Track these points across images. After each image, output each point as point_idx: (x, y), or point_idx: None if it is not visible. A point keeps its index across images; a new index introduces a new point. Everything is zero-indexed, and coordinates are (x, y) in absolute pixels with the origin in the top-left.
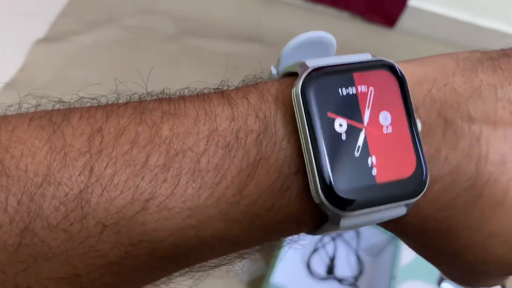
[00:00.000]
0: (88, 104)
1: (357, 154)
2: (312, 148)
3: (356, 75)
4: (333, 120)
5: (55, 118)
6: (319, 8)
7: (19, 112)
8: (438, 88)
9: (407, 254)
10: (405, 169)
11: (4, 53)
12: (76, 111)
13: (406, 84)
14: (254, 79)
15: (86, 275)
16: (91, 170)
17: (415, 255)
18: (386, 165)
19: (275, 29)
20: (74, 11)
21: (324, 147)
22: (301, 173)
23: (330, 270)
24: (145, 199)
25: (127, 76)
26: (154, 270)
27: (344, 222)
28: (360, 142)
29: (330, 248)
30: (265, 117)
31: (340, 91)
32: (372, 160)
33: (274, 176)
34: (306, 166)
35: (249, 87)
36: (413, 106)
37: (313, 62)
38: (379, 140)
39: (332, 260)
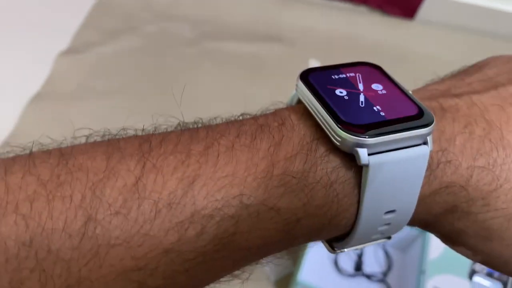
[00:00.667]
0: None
1: (362, 105)
2: (322, 105)
3: (342, 69)
4: (333, 90)
5: (109, 139)
6: (336, 3)
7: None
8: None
9: (435, 248)
10: (409, 111)
11: (29, 66)
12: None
13: (387, 72)
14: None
15: (145, 266)
16: (144, 165)
17: (444, 248)
18: (391, 109)
19: (293, 26)
20: (94, 21)
21: (332, 103)
22: (321, 142)
23: (358, 266)
24: (192, 179)
25: (148, 84)
26: (206, 258)
27: (373, 159)
28: (361, 99)
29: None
30: (281, 117)
31: (332, 76)
32: (377, 107)
33: (297, 147)
34: (322, 125)
35: (266, 112)
36: (397, 81)
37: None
38: (377, 97)
39: (359, 256)
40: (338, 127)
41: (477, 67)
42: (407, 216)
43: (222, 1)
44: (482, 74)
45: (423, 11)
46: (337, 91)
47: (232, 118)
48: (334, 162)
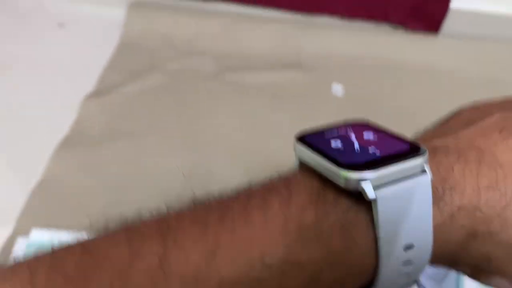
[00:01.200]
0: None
1: (357, 151)
2: (321, 156)
3: (334, 127)
4: (329, 141)
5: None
6: (357, 24)
7: None
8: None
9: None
10: (401, 147)
11: (56, 111)
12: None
13: (377, 125)
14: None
15: None
16: (165, 242)
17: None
18: (384, 148)
19: (313, 52)
20: (118, 63)
21: (330, 152)
22: (328, 191)
23: None
24: (213, 249)
25: (172, 121)
26: None
27: (379, 193)
28: (356, 147)
29: None
30: (286, 178)
31: (325, 133)
32: (372, 149)
33: (307, 199)
34: (324, 172)
35: (274, 180)
36: (386, 129)
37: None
38: (371, 143)
39: None
40: (340, 168)
41: (451, 116)
42: (427, 249)
43: (242, 33)
44: (459, 118)
45: (448, 24)
46: (333, 143)
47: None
48: (344, 205)
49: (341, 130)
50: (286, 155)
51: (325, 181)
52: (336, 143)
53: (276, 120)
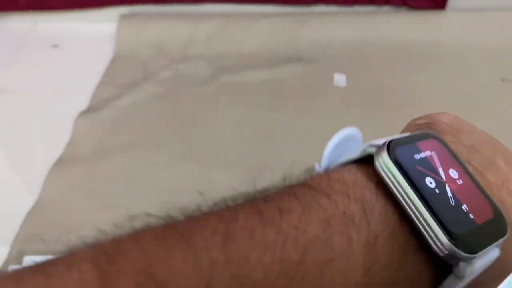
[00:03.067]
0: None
1: (452, 203)
2: (424, 207)
3: (419, 144)
4: (424, 179)
5: (182, 232)
6: (357, 8)
7: None
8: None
9: None
10: (488, 211)
11: (52, 131)
12: (194, 224)
13: (451, 148)
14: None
15: None
16: None
17: None
18: (475, 209)
19: (312, 43)
20: (112, 77)
21: (431, 202)
22: (410, 239)
23: None
24: None
25: (169, 130)
26: None
27: (469, 270)
28: (449, 194)
29: None
30: (357, 200)
31: (415, 156)
32: (464, 207)
33: (389, 249)
34: (420, 227)
35: (324, 177)
36: (464, 164)
37: (380, 142)
38: (460, 191)
39: None
40: (451, 242)
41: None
42: None
43: (236, 32)
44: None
45: None
46: (427, 181)
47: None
48: (421, 268)
49: (425, 150)
50: (288, 157)
51: (406, 224)
52: (430, 183)
53: (276, 120)
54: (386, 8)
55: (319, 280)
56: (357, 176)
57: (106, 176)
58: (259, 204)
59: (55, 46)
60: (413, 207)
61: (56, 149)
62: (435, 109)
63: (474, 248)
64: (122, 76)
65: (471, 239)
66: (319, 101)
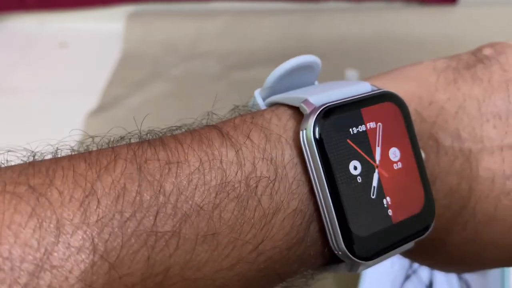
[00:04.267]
0: (72, 152)
1: (373, 196)
2: (331, 196)
3: (364, 111)
4: (347, 164)
5: (35, 181)
6: (367, 5)
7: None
8: (424, 107)
9: None
10: (416, 205)
11: (60, 130)
12: (57, 169)
13: (410, 116)
14: (238, 109)
15: None
16: (94, 249)
17: None
18: (399, 204)
19: (323, 38)
20: (121, 75)
21: (343, 195)
22: (315, 220)
23: None
24: (158, 272)
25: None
26: None
27: (361, 268)
28: (375, 182)
29: (424, 274)
30: (272, 160)
31: (351, 130)
32: (387, 200)
33: (288, 227)
34: (323, 215)
35: (247, 122)
36: (417, 138)
37: (317, 99)
38: (391, 178)
39: (429, 287)
40: (344, 242)
41: (501, 81)
42: None
43: (245, 29)
44: (499, 108)
45: None
46: (351, 167)
47: (196, 129)
48: (318, 250)
49: (371, 122)
50: None
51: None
52: (355, 170)
53: None
54: (397, 3)
55: (190, 256)
56: (284, 127)
57: None
58: (148, 151)
59: (63, 45)
60: (322, 195)
61: (66, 150)
62: None
63: (371, 255)
64: (131, 75)
65: (376, 242)
66: None
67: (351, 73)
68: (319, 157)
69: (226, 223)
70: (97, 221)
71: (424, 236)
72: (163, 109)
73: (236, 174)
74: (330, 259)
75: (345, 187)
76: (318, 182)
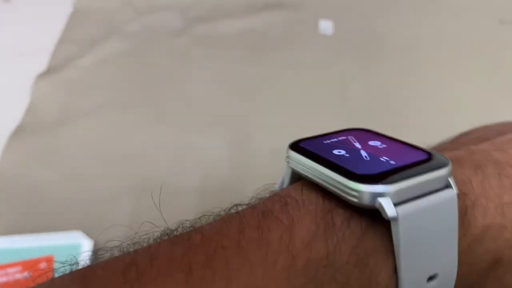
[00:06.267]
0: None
1: (367, 159)
2: (326, 167)
3: (332, 135)
4: (330, 149)
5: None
6: None
7: None
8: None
9: None
10: (418, 156)
11: (8, 96)
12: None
13: (378, 132)
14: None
15: None
16: None
17: None
18: (399, 157)
19: None
20: (72, 34)
21: (333, 159)
22: (336, 212)
23: None
24: None
25: (139, 89)
26: None
27: (400, 211)
28: (364, 154)
29: None
30: (281, 198)
31: (324, 141)
32: (384, 158)
33: (312, 226)
34: (330, 186)
35: (281, 198)
36: (390, 136)
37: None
38: (380, 151)
39: None
40: (352, 181)
41: (460, 135)
42: (451, 280)
43: None
44: (469, 136)
45: None
46: (335, 151)
47: (223, 213)
48: (357, 229)
49: (341, 136)
50: (273, 115)
51: (330, 199)
52: (339, 151)
53: (258, 75)
54: None
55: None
56: (302, 191)
57: (72, 144)
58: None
59: (6, 0)
60: (317, 175)
61: (14, 117)
62: (428, 55)
63: (387, 181)
64: (83, 32)
65: (389, 176)
66: (304, 51)
67: (325, 24)
68: (303, 156)
69: (254, 240)
70: None
71: (446, 170)
72: (119, 69)
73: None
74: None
75: (333, 158)
76: (311, 170)
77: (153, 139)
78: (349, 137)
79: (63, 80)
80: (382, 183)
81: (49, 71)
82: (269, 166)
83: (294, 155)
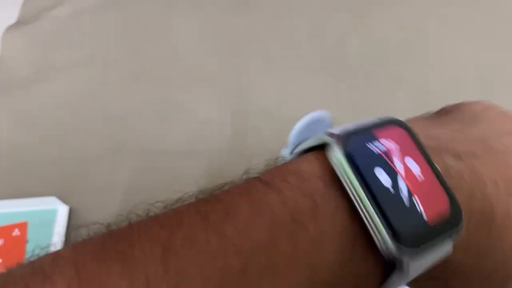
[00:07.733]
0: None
1: (407, 204)
2: (373, 207)
3: (377, 133)
4: (373, 166)
5: (121, 246)
6: None
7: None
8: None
9: None
10: (443, 206)
11: None
12: (133, 233)
13: (416, 136)
14: (269, 165)
15: None
16: None
17: None
18: (430, 207)
19: None
20: None
21: (382, 202)
22: (360, 238)
23: None
24: None
25: (117, 44)
26: None
27: (412, 266)
28: (404, 192)
29: None
30: (310, 195)
31: (370, 147)
32: (419, 206)
33: (336, 249)
34: (368, 225)
35: (281, 170)
36: (428, 153)
37: (337, 130)
38: (417, 187)
39: None
40: (393, 242)
41: (472, 115)
42: None
43: None
44: (479, 129)
45: None
46: (383, 179)
47: (234, 189)
48: (370, 266)
49: (382, 138)
50: (264, 72)
51: (358, 221)
52: (382, 175)
53: (246, 27)
54: None
55: (259, 286)
56: (313, 166)
57: (46, 104)
58: (206, 206)
59: None
60: (362, 205)
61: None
62: (424, 13)
63: (419, 240)
64: None
65: (415, 236)
66: (293, 2)
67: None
68: (352, 169)
69: (283, 255)
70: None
71: (458, 229)
72: (96, 22)
73: (283, 213)
74: (382, 274)
75: (381, 195)
76: (356, 194)
77: (135, 98)
78: (389, 143)
79: (36, 33)
80: (415, 255)
81: (20, 23)
82: (263, 127)
83: (338, 154)
